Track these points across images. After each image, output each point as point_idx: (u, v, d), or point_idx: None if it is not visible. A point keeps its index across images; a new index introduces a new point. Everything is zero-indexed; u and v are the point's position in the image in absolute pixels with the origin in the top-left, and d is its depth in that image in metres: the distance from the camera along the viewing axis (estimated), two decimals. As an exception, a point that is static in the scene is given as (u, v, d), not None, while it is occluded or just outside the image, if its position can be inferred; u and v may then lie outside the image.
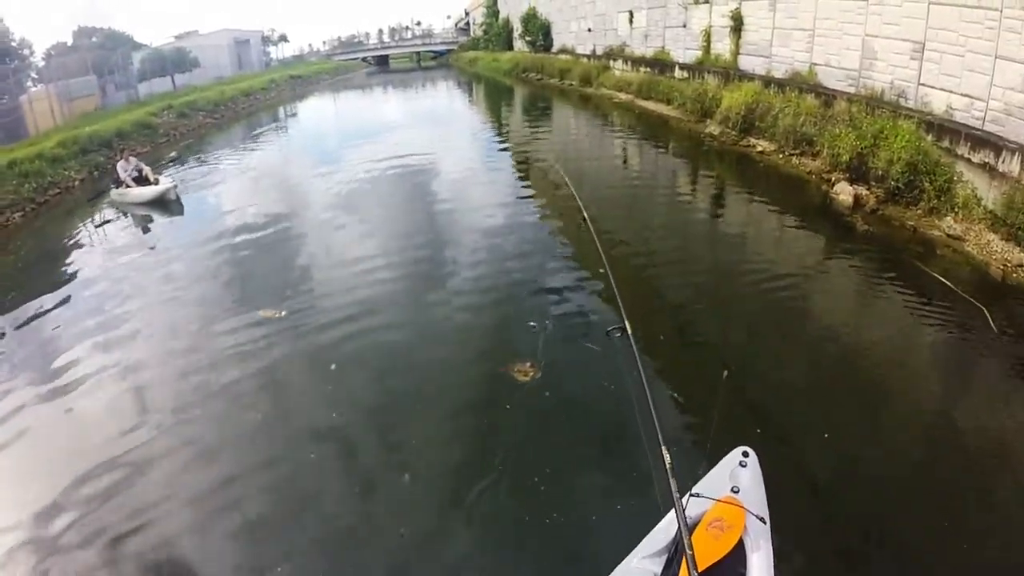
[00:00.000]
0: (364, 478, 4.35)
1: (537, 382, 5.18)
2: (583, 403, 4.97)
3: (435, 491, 4.14)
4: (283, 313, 6.77)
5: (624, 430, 4.55)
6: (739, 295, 6.85)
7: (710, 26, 17.24)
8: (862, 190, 9.01)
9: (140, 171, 12.83)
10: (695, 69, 17.72)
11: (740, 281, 7.19)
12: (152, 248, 10.31)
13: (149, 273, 8.95)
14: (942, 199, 7.91)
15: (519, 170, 13.94)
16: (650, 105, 18.94)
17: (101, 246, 10.74)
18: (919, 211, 8.16)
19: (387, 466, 4.46)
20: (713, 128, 14.26)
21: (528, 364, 5.37)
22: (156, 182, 12.77)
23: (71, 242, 11.15)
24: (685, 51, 18.96)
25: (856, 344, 5.74)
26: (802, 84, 12.59)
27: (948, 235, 7.50)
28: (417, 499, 4.10)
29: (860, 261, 7.46)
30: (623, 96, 21.32)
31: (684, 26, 18.89)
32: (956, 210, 7.68)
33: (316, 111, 32.92)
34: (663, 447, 3.50)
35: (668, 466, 3.23)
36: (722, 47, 16.68)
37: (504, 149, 16.78)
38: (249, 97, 34.23)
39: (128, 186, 12.64)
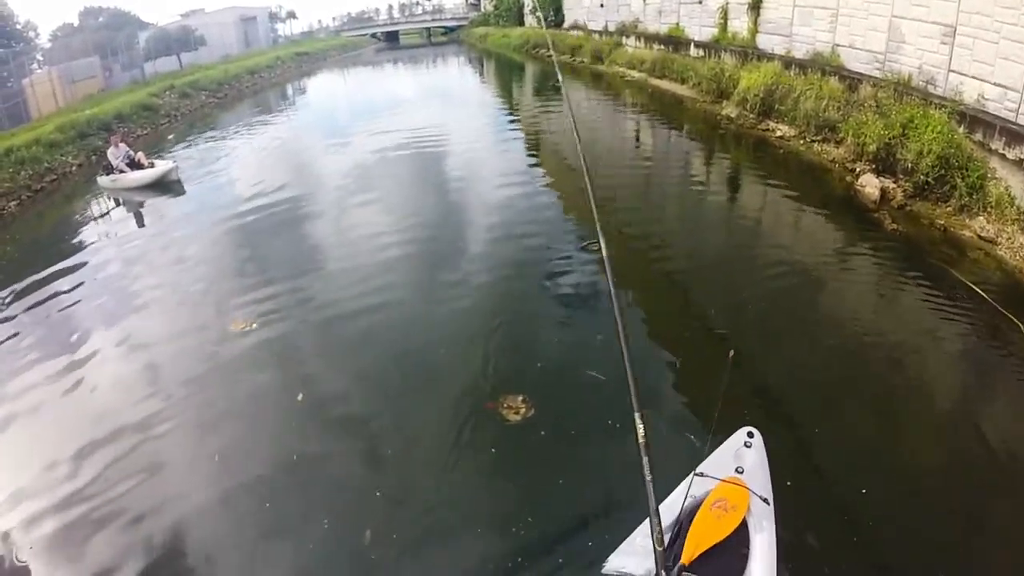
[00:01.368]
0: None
1: (531, 420, 4.64)
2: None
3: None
4: (254, 325, 6.36)
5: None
6: (753, 285, 6.57)
7: (727, 2, 16.41)
8: (889, 183, 8.43)
9: (131, 157, 12.48)
10: (711, 47, 16.95)
11: (755, 271, 6.91)
12: (154, 232, 10.15)
13: (150, 259, 8.80)
14: (974, 197, 7.33)
15: (529, 151, 13.50)
16: (664, 84, 18.23)
17: (99, 233, 10.53)
18: (949, 208, 7.60)
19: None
20: (730, 110, 13.59)
21: (520, 399, 4.76)
22: (151, 166, 12.43)
23: (68, 230, 10.96)
24: (701, 28, 18.16)
25: (875, 344, 5.43)
26: (824, 66, 11.87)
27: (980, 236, 6.95)
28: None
29: (884, 259, 7.00)
30: (636, 74, 20.55)
31: (700, 2, 18.06)
32: (989, 209, 7.13)
33: (321, 89, 32.36)
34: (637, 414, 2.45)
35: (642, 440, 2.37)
36: (739, 25, 15.90)
37: (514, 128, 16.27)
38: (254, 75, 33.68)
39: (121, 171, 12.31)
